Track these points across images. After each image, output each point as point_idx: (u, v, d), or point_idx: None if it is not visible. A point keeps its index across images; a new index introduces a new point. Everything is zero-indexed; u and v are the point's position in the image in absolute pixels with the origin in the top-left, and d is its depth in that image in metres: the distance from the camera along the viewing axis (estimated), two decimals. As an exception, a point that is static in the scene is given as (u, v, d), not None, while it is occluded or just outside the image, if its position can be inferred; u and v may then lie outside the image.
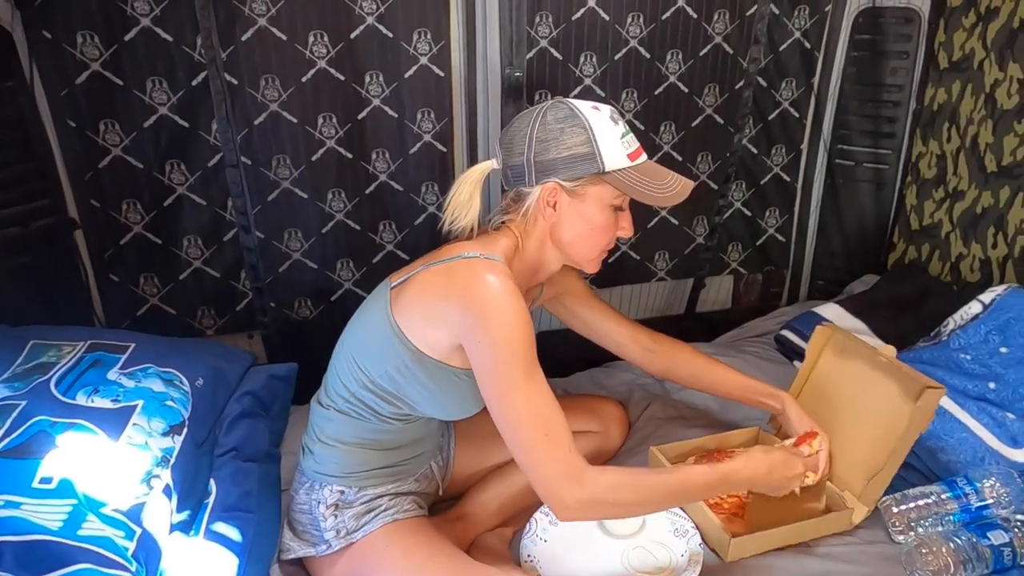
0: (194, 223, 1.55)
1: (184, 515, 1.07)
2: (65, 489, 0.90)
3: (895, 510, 1.20)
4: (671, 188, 1.06)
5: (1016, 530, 1.13)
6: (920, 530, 1.18)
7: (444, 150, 1.63)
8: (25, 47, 1.32)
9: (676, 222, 1.92)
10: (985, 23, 1.69)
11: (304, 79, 1.49)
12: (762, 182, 1.98)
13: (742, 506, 1.25)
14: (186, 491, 1.07)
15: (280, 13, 1.43)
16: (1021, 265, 1.64)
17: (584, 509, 0.96)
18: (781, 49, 1.83)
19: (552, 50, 1.62)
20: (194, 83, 1.43)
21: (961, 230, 1.81)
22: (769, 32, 1.78)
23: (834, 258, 2.12)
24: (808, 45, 1.85)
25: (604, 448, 1.42)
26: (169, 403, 1.12)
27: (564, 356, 1.55)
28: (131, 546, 0.91)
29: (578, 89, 1.68)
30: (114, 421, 1.03)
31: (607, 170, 1.03)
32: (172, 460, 1.06)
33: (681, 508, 1.26)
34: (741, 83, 1.79)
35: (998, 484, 1.19)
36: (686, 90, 1.76)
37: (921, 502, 1.20)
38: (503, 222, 1.12)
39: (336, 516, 1.10)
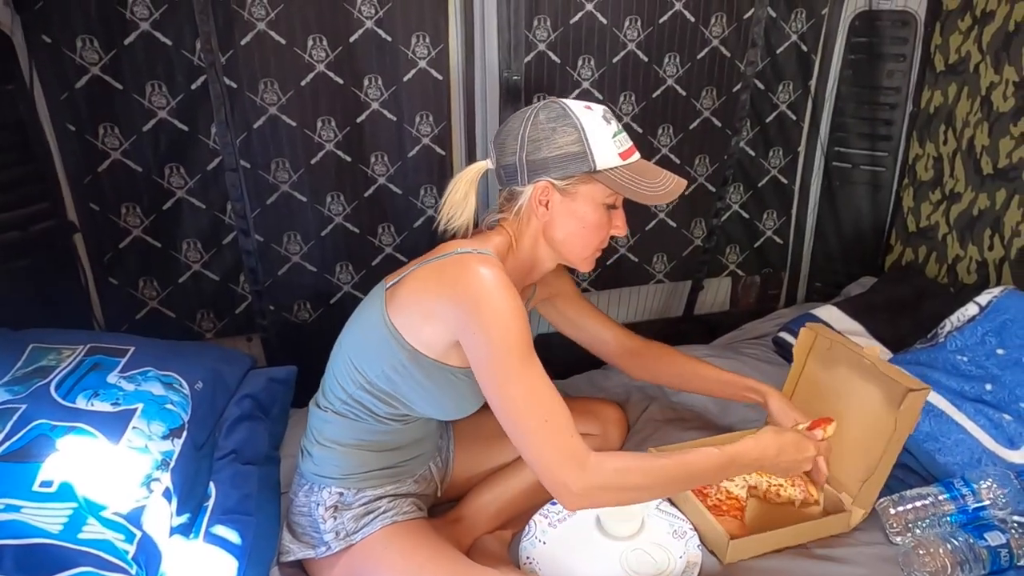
0: (193, 226, 1.55)
1: (184, 518, 1.07)
2: (65, 492, 0.90)
3: (892, 511, 1.21)
4: (663, 186, 1.07)
5: (1013, 531, 1.13)
6: (917, 531, 1.18)
7: (443, 153, 1.63)
8: (25, 51, 1.33)
9: (674, 224, 1.93)
10: (981, 26, 1.70)
11: (303, 83, 1.49)
12: (760, 184, 1.99)
13: (741, 508, 1.25)
14: (186, 494, 1.08)
15: (279, 17, 1.43)
16: (1017, 267, 1.64)
17: (591, 495, 0.95)
18: (778, 52, 1.84)
19: (550, 53, 1.63)
20: (193, 87, 1.44)
21: (958, 232, 1.81)
22: (766, 35, 1.79)
23: (832, 260, 2.12)
24: (805, 48, 1.86)
25: (603, 450, 1.42)
26: (169, 406, 1.12)
27: (563, 358, 1.55)
28: (131, 549, 0.92)
29: (576, 92, 1.68)
30: (114, 424, 1.03)
31: (598, 169, 1.03)
32: (172, 463, 1.06)
33: (680, 510, 1.26)
34: (738, 86, 1.79)
35: (995, 485, 1.20)
36: (684, 93, 1.77)
37: (918, 503, 1.20)
38: (498, 221, 1.13)
39: (335, 518, 1.11)
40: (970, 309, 1.51)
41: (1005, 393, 1.33)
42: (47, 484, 0.90)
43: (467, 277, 0.99)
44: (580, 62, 1.66)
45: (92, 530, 0.89)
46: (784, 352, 1.80)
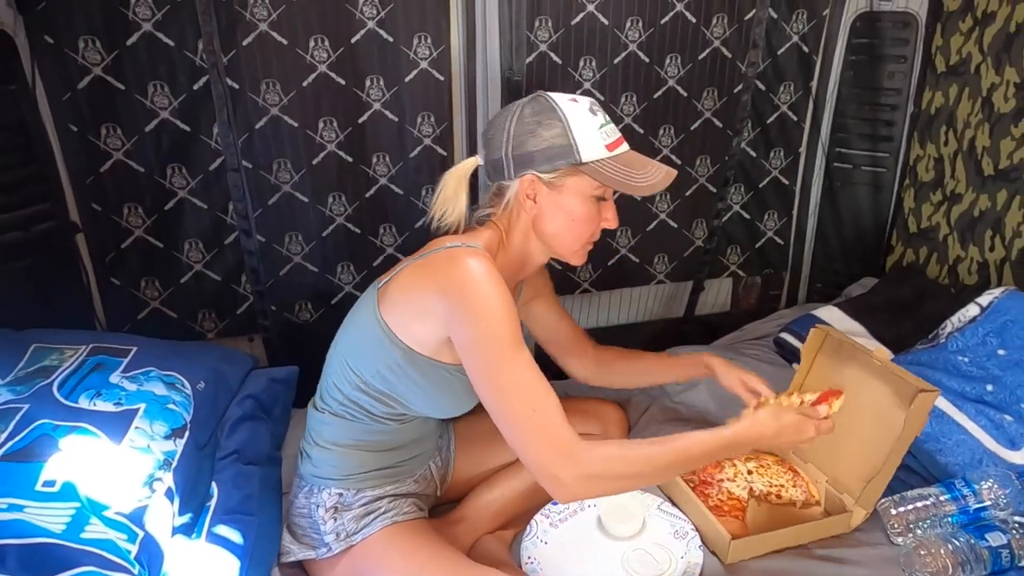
0: (195, 227, 1.55)
1: (186, 518, 1.07)
2: (68, 492, 0.91)
3: (894, 512, 1.21)
4: (651, 177, 1.06)
5: (1014, 532, 1.13)
6: (919, 532, 1.19)
7: (444, 154, 1.64)
8: (27, 51, 1.33)
9: (675, 225, 1.93)
10: (982, 27, 1.70)
11: (305, 83, 1.49)
12: (761, 185, 1.99)
13: (742, 508, 1.25)
14: (188, 494, 1.08)
15: (281, 18, 1.43)
16: (1018, 268, 1.65)
17: (581, 485, 0.93)
18: (779, 53, 1.84)
19: (552, 54, 1.63)
20: (195, 87, 1.44)
21: (959, 233, 1.82)
22: (767, 36, 1.79)
23: (833, 261, 2.13)
24: (806, 49, 1.86)
25: None
26: (171, 406, 1.12)
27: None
28: (134, 549, 0.92)
29: (577, 93, 1.68)
30: (116, 424, 1.03)
31: (584, 161, 1.03)
32: (174, 463, 1.06)
33: (682, 510, 1.26)
34: (740, 87, 1.80)
35: (996, 486, 1.20)
36: (685, 94, 1.77)
37: (920, 504, 1.21)
38: (488, 217, 1.13)
39: (335, 519, 1.11)
40: (971, 310, 1.51)
41: (1006, 394, 1.33)
42: (50, 484, 0.90)
43: (455, 270, 0.98)
44: (581, 63, 1.66)
45: (95, 530, 0.89)
46: (785, 353, 1.80)
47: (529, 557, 1.17)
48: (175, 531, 1.04)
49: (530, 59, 1.60)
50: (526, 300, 1.32)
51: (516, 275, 1.16)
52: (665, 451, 0.97)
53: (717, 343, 1.96)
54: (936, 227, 1.90)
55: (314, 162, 1.57)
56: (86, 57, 1.37)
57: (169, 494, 1.03)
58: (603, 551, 1.19)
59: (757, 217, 2.04)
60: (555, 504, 1.27)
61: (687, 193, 1.90)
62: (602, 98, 1.71)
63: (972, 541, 1.12)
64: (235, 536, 1.06)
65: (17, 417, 0.98)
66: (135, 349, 1.19)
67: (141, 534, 0.94)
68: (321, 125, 1.54)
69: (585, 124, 1.04)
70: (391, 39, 1.51)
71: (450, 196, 1.10)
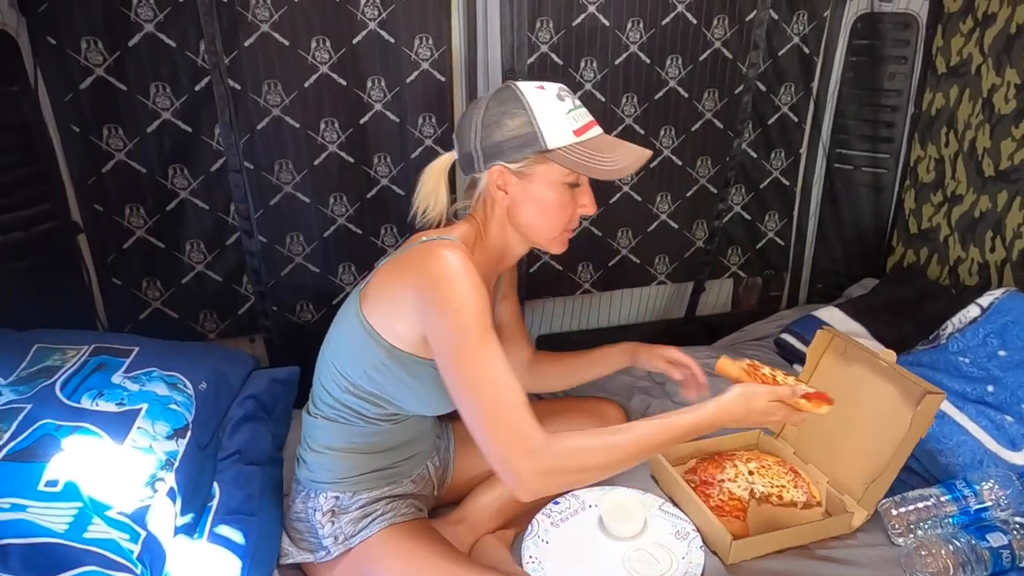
0: (197, 227, 1.56)
1: (188, 518, 1.07)
2: (71, 492, 0.91)
3: (895, 512, 1.21)
4: (621, 160, 1.04)
5: (1015, 532, 1.13)
6: (920, 532, 1.19)
7: (445, 154, 1.64)
8: (30, 52, 1.33)
9: (676, 226, 1.93)
10: (983, 28, 1.70)
11: (306, 84, 1.50)
12: (761, 186, 2.00)
13: (743, 509, 1.25)
14: (190, 494, 1.08)
15: (283, 19, 1.44)
16: (1019, 269, 1.65)
17: (541, 480, 0.91)
18: (780, 54, 1.84)
19: (553, 55, 1.63)
20: (197, 88, 1.44)
21: (959, 234, 1.82)
22: (768, 37, 1.79)
23: (833, 262, 2.13)
24: (807, 50, 1.86)
25: None
26: (173, 406, 1.12)
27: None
28: (136, 549, 0.92)
29: (578, 94, 1.69)
30: (119, 424, 1.03)
31: (550, 148, 1.02)
32: (176, 463, 1.07)
33: (683, 510, 1.26)
34: (740, 88, 1.80)
35: (997, 487, 1.20)
36: (686, 95, 1.78)
37: (920, 504, 1.21)
38: (466, 210, 1.13)
39: (333, 522, 1.11)
40: (972, 311, 1.51)
41: (1007, 395, 1.34)
42: (52, 484, 0.91)
43: (429, 263, 0.99)
44: (582, 64, 1.66)
45: (97, 529, 0.89)
46: (786, 353, 1.80)
47: (531, 556, 1.17)
48: (177, 531, 1.04)
49: (531, 60, 1.61)
50: (502, 296, 1.32)
51: (496, 267, 1.16)
52: (628, 440, 0.95)
53: (717, 344, 1.97)
54: (937, 228, 1.90)
55: (315, 163, 1.57)
56: (88, 58, 1.37)
57: (171, 494, 1.03)
58: (604, 551, 1.20)
59: (758, 218, 2.04)
60: (556, 503, 1.27)
61: (688, 194, 1.90)
62: (603, 99, 1.71)
63: (973, 542, 1.12)
64: (237, 536, 1.07)
65: (20, 417, 0.98)
66: (137, 349, 1.19)
67: (143, 534, 0.94)
68: (322, 126, 1.54)
69: (551, 111, 1.03)
70: (392, 40, 1.51)
71: (430, 191, 1.11)
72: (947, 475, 1.28)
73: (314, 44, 1.47)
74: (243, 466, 1.20)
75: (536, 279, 1.84)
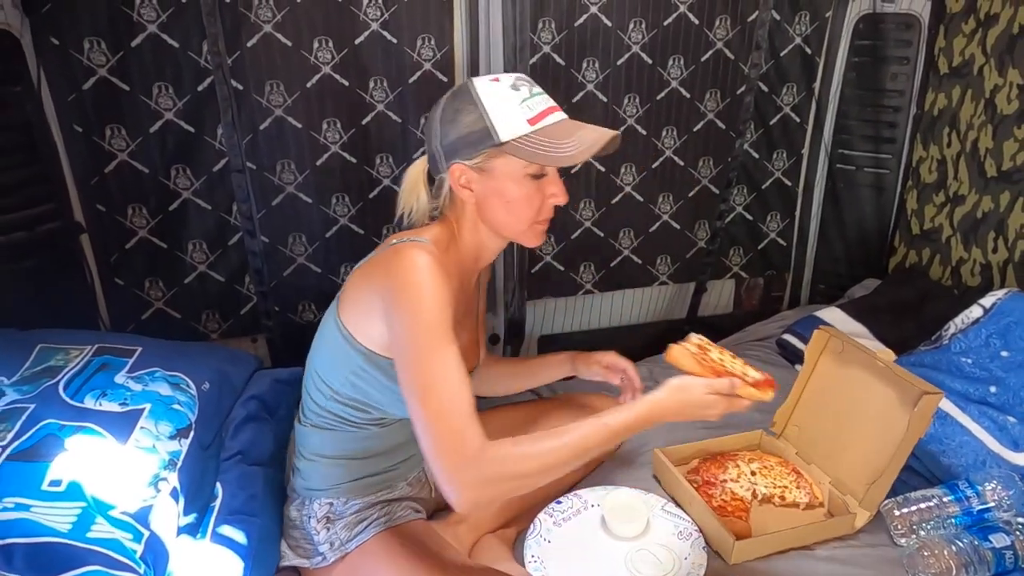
0: (199, 227, 1.56)
1: (191, 518, 1.07)
2: (74, 492, 0.91)
3: (897, 513, 1.21)
4: (579, 144, 1.01)
5: (1018, 533, 1.13)
6: (922, 533, 1.19)
7: (448, 155, 1.64)
8: (33, 53, 1.33)
9: (678, 226, 1.93)
10: (985, 29, 1.70)
11: (309, 84, 1.50)
12: (763, 187, 2.00)
13: (746, 509, 1.25)
14: (193, 494, 1.08)
15: (285, 19, 1.44)
16: (1021, 269, 1.65)
17: (477, 489, 0.89)
18: (782, 55, 1.84)
19: (555, 56, 1.63)
20: (200, 88, 1.44)
21: (962, 234, 1.82)
22: (770, 38, 1.79)
23: (835, 262, 2.13)
24: (809, 51, 1.86)
25: None
26: (176, 407, 1.12)
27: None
28: (139, 548, 0.92)
29: (580, 94, 1.69)
30: (122, 424, 1.03)
31: (503, 141, 1.00)
32: (179, 463, 1.07)
33: (685, 511, 1.26)
34: (742, 88, 1.80)
35: (1000, 487, 1.20)
36: (688, 95, 1.78)
37: (923, 505, 1.21)
38: (440, 212, 1.13)
39: (328, 529, 1.11)
40: (974, 311, 1.51)
41: (1009, 395, 1.33)
42: (56, 483, 0.91)
43: (395, 262, 0.99)
44: (585, 64, 1.67)
45: (101, 529, 0.89)
46: (788, 354, 1.80)
47: (533, 556, 1.17)
48: (180, 531, 1.04)
49: (533, 60, 1.61)
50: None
51: (474, 265, 1.15)
52: (563, 444, 0.93)
53: (719, 344, 1.96)
54: (939, 228, 1.90)
55: (318, 163, 1.57)
56: (91, 58, 1.37)
57: (174, 494, 1.03)
58: (607, 551, 1.20)
59: (760, 218, 2.04)
60: (559, 503, 1.28)
61: (690, 194, 1.91)
62: (605, 99, 1.71)
63: (976, 542, 1.12)
64: (239, 536, 1.07)
65: (23, 417, 0.98)
66: (140, 349, 1.19)
67: (146, 534, 0.94)
68: (325, 126, 1.54)
69: (504, 103, 1.01)
70: (395, 40, 1.51)
71: (410, 193, 1.11)
72: (950, 476, 1.28)
73: (316, 44, 1.47)
74: (246, 466, 1.20)
75: (538, 279, 1.84)
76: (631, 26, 1.66)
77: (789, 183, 2.02)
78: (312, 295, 1.69)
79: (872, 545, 1.20)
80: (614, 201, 1.84)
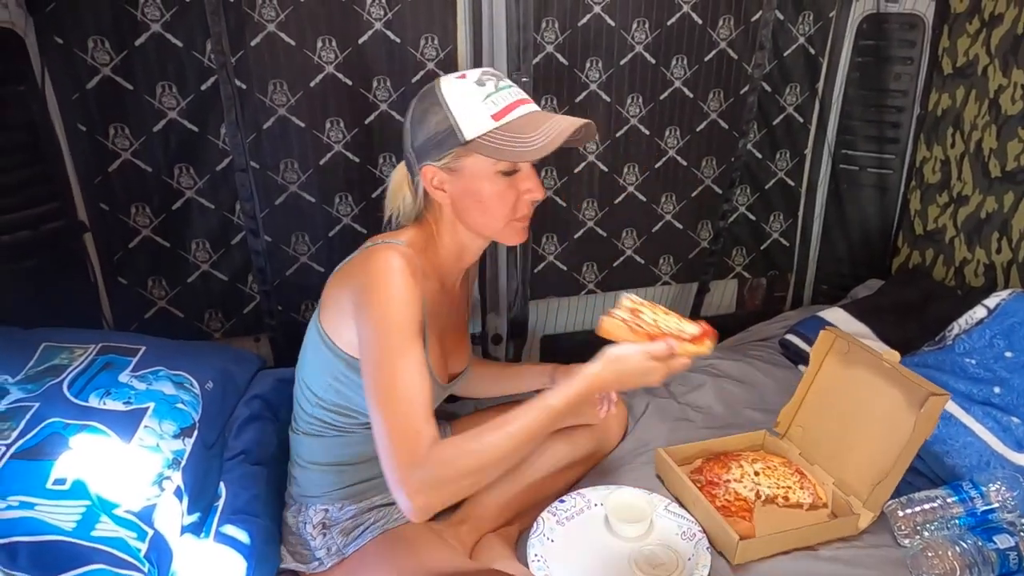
0: (202, 227, 1.56)
1: (194, 517, 1.07)
2: (78, 490, 0.91)
3: (901, 514, 1.21)
4: (545, 136, 0.98)
5: (1022, 534, 1.13)
6: (926, 534, 1.18)
7: (451, 154, 1.64)
8: (37, 52, 1.33)
9: (681, 226, 1.93)
10: (989, 29, 1.70)
11: (312, 84, 1.50)
12: (767, 187, 1.99)
13: (749, 509, 1.25)
14: (196, 493, 1.08)
15: (289, 19, 1.44)
16: (1025, 270, 1.64)
17: (425, 494, 0.86)
18: (785, 55, 1.84)
19: (558, 55, 1.63)
20: (203, 88, 1.44)
21: (965, 235, 1.81)
22: (774, 38, 1.79)
23: (838, 263, 2.12)
24: (812, 51, 1.86)
25: (604, 440, 1.43)
26: (180, 406, 1.12)
27: (568, 360, 1.56)
28: (143, 547, 0.92)
29: (584, 94, 1.69)
30: (126, 423, 1.04)
31: (469, 139, 0.99)
32: (183, 462, 1.07)
33: (689, 511, 1.26)
34: (746, 88, 1.80)
35: (1004, 488, 1.20)
36: (691, 95, 1.77)
37: (927, 506, 1.20)
38: (421, 213, 1.12)
39: (324, 535, 1.11)
40: (978, 312, 1.51)
41: (1014, 396, 1.33)
42: (60, 482, 0.91)
43: (367, 264, 0.98)
44: (588, 64, 1.66)
45: (105, 528, 0.90)
46: (791, 354, 1.80)
47: (536, 555, 1.17)
48: (184, 530, 1.04)
49: (537, 60, 1.60)
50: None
51: (456, 265, 1.14)
52: (508, 435, 0.90)
53: (722, 344, 1.96)
54: (943, 229, 1.89)
55: (321, 162, 1.57)
56: (95, 57, 1.37)
57: (178, 493, 1.03)
58: (610, 551, 1.19)
59: (763, 218, 2.04)
60: (562, 502, 1.28)
61: (693, 194, 1.90)
62: (608, 99, 1.71)
63: (980, 543, 1.12)
64: (243, 536, 1.07)
65: (28, 415, 0.98)
66: (144, 348, 1.20)
67: (151, 532, 0.95)
68: (328, 125, 1.54)
69: (467, 100, 0.99)
70: (398, 40, 1.51)
71: (395, 195, 1.11)
72: (953, 476, 1.28)
73: (320, 44, 1.47)
74: (249, 466, 1.20)
75: (540, 279, 1.84)
76: (634, 26, 1.66)
77: (792, 183, 2.02)
78: (315, 294, 1.66)
79: (876, 546, 1.20)
80: (617, 201, 1.84)
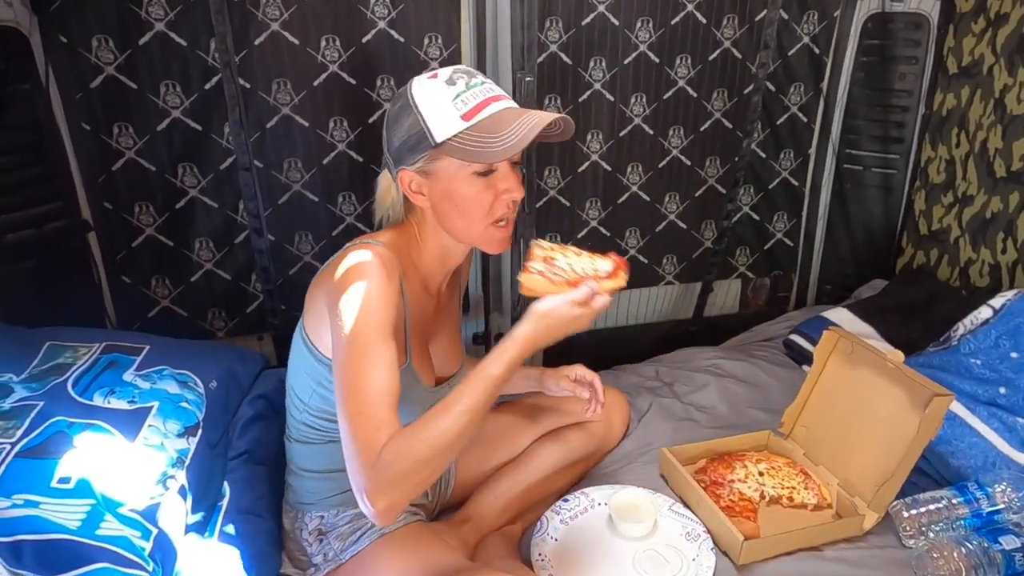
0: (206, 225, 1.56)
1: (198, 516, 1.07)
2: (83, 489, 0.91)
3: (906, 514, 1.20)
4: (515, 134, 0.94)
5: (1028, 535, 1.13)
6: (931, 535, 1.18)
7: (454, 154, 1.64)
8: (41, 51, 1.34)
9: (684, 226, 1.93)
10: (995, 28, 1.69)
11: (316, 83, 1.50)
12: (770, 186, 1.99)
13: (754, 510, 1.25)
14: (200, 492, 1.08)
15: (293, 18, 1.44)
16: (1030, 270, 1.64)
17: (388, 490, 0.85)
18: (790, 54, 1.83)
19: (562, 55, 1.63)
20: (207, 87, 1.44)
21: (970, 235, 1.81)
22: (778, 37, 1.79)
23: (842, 262, 2.12)
24: (817, 50, 1.86)
25: (607, 436, 1.43)
26: (184, 405, 1.12)
27: (571, 360, 1.56)
28: (148, 546, 0.92)
29: (587, 93, 1.69)
30: (130, 422, 1.04)
31: (439, 142, 0.96)
32: (187, 461, 1.07)
33: (693, 511, 1.26)
34: (750, 88, 1.79)
35: (1009, 489, 1.19)
36: (695, 95, 1.77)
37: (932, 507, 1.20)
38: (404, 216, 1.11)
39: (320, 541, 1.10)
40: (983, 312, 1.50)
41: (1019, 397, 1.33)
42: (65, 480, 0.91)
43: (340, 264, 0.98)
44: (592, 63, 1.66)
45: (110, 527, 0.90)
46: (795, 354, 1.79)
47: (540, 554, 1.17)
48: (188, 529, 1.04)
49: (541, 59, 1.60)
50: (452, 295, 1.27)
51: (440, 267, 1.12)
52: (456, 415, 0.89)
53: (725, 344, 1.96)
54: (947, 229, 1.89)
55: (324, 161, 1.57)
56: (99, 56, 1.37)
57: (182, 492, 1.03)
58: (614, 551, 1.19)
59: (766, 218, 2.03)
60: (566, 501, 1.27)
61: (696, 194, 1.90)
62: (612, 98, 1.71)
63: (985, 544, 1.11)
64: (246, 536, 1.07)
65: (32, 414, 0.98)
66: (148, 347, 1.20)
67: (155, 531, 0.95)
68: (332, 124, 1.54)
69: (437, 101, 0.97)
70: (402, 39, 1.51)
71: (382, 200, 1.10)
72: (959, 477, 1.28)
73: (324, 43, 1.47)
74: (253, 466, 1.20)
75: (544, 279, 1.84)
76: (638, 25, 1.66)
77: (796, 183, 2.02)
78: (318, 294, 1.69)
79: (881, 547, 1.20)
80: (620, 200, 1.84)
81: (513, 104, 1.00)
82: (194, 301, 1.62)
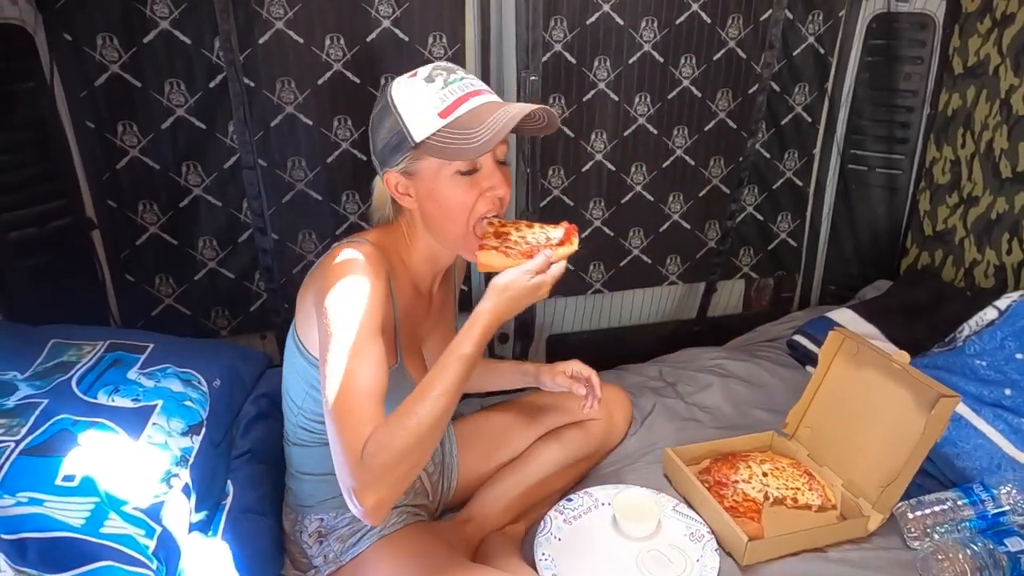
0: (210, 224, 1.56)
1: (202, 515, 1.07)
2: (87, 487, 0.91)
3: (911, 516, 1.20)
4: (491, 129, 0.93)
5: (1033, 537, 1.12)
6: (936, 536, 1.18)
7: (458, 153, 1.63)
8: (46, 49, 1.33)
9: (688, 226, 1.92)
10: (1001, 29, 1.69)
11: (320, 82, 1.50)
12: (774, 187, 1.98)
13: (758, 510, 1.25)
14: (204, 491, 1.08)
15: (297, 16, 1.44)
16: (1036, 271, 1.63)
17: (375, 487, 0.85)
18: (795, 54, 1.83)
19: (567, 54, 1.63)
20: (211, 85, 1.44)
21: (975, 236, 1.80)
22: (783, 37, 1.78)
23: (846, 263, 2.11)
24: (822, 50, 1.85)
25: (610, 434, 1.42)
26: (188, 403, 1.12)
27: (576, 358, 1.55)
28: (152, 544, 0.92)
29: (592, 92, 1.68)
30: (134, 420, 1.04)
31: (419, 141, 0.96)
32: (191, 460, 1.07)
33: (697, 512, 1.25)
34: (754, 88, 1.79)
35: (1014, 491, 1.19)
36: (699, 94, 1.77)
37: (937, 508, 1.20)
38: (394, 216, 1.11)
39: (320, 543, 1.10)
40: (989, 313, 1.50)
41: (1024, 398, 1.32)
42: (69, 478, 0.91)
43: (325, 265, 0.97)
44: (596, 63, 1.66)
45: (114, 525, 0.89)
46: (799, 355, 1.79)
47: (543, 554, 1.17)
48: (191, 528, 1.04)
49: (545, 59, 1.60)
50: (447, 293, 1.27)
51: (430, 268, 1.12)
52: (433, 399, 0.88)
53: (729, 345, 1.96)
54: (952, 230, 1.88)
55: (328, 160, 1.57)
56: (104, 54, 1.37)
57: (186, 490, 1.03)
58: (618, 551, 1.19)
59: (770, 219, 2.03)
60: (570, 500, 1.27)
61: (700, 194, 1.90)
62: (616, 98, 1.71)
63: (991, 546, 1.11)
64: (250, 535, 1.07)
65: (37, 412, 0.98)
66: (152, 346, 1.20)
67: (159, 530, 0.94)
68: (336, 123, 1.54)
69: (415, 100, 0.96)
70: (406, 38, 1.51)
71: (378, 203, 1.10)
72: (964, 479, 1.27)
73: (328, 42, 1.47)
74: (256, 465, 1.20)
75: (547, 278, 1.84)
76: (643, 24, 1.65)
77: (800, 183, 2.01)
78: (322, 293, 1.69)
79: (885, 548, 1.19)
80: (624, 200, 1.83)
81: (494, 98, 0.99)
82: (198, 300, 1.62)
